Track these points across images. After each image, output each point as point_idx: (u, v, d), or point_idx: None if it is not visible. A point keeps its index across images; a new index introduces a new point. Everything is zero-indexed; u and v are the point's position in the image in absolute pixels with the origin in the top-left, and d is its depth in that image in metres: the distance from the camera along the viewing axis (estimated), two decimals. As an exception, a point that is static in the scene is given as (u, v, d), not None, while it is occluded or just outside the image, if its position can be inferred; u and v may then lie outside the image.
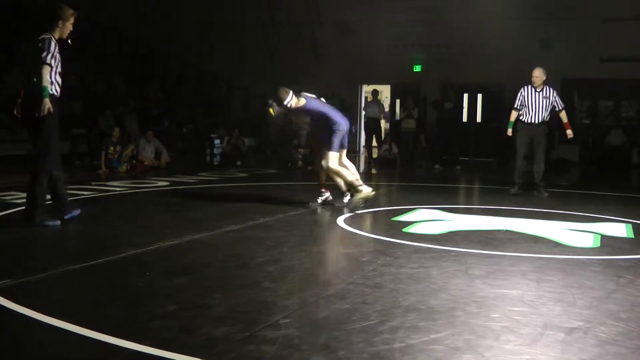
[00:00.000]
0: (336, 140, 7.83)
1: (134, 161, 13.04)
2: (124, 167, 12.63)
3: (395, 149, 16.71)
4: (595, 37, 17.72)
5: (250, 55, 20.31)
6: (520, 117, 9.82)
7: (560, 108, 9.83)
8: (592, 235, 6.31)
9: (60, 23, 6.41)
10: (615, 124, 18.08)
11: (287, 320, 3.41)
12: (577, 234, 6.39)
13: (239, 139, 15.91)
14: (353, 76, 19.73)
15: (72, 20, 6.49)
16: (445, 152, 16.59)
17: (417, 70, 19.92)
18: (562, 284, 4.34)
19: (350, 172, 8.06)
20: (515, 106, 9.91)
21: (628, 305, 3.89)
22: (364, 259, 4.98)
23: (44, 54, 6.30)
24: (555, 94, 9.81)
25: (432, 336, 3.23)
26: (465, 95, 19.58)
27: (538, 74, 9.77)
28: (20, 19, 17.17)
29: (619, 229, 6.73)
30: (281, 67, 20.09)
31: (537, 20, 17.97)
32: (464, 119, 19.36)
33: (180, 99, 19.36)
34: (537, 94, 9.73)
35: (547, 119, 9.79)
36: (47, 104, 6.36)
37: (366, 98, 20.54)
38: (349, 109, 18.93)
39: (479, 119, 19.80)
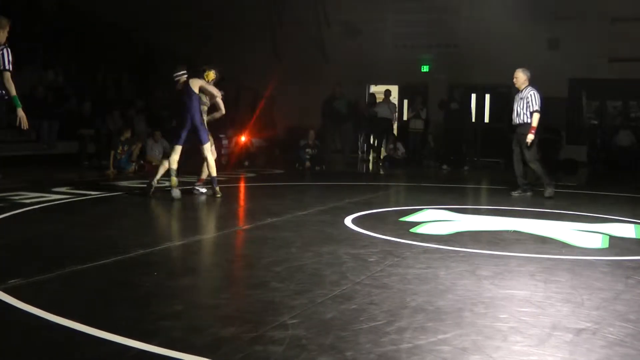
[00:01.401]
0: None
1: (142, 161, 13.08)
2: (132, 168, 12.67)
3: (401, 149, 16.72)
4: (604, 37, 17.65)
5: (257, 56, 20.33)
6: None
7: (533, 109, 9.46)
8: (601, 236, 6.28)
9: (0, 31, 7.23)
10: (624, 125, 18.00)
11: (295, 321, 3.41)
12: (586, 234, 6.36)
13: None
14: (360, 76, 19.72)
15: (7, 27, 7.35)
16: (452, 152, 16.58)
17: (424, 70, 19.90)
18: (571, 285, 4.32)
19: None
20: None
21: (637, 306, 3.88)
22: (371, 260, 4.97)
23: (4, 62, 7.10)
24: (532, 94, 9.52)
25: (440, 337, 3.22)
26: (473, 96, 19.54)
27: (516, 76, 9.73)
28: (29, 19, 17.23)
29: (628, 230, 6.70)
30: (288, 67, 20.11)
31: (545, 20, 17.91)
32: (472, 118, 19.32)
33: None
34: (517, 96, 9.73)
35: (529, 120, 9.50)
36: (23, 114, 7.14)
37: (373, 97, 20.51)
38: (358, 109, 18.96)
39: (486, 120, 19.76)
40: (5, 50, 7.30)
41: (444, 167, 15.74)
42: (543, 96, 9.76)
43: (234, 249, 5.79)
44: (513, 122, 9.79)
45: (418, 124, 17.25)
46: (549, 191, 9.62)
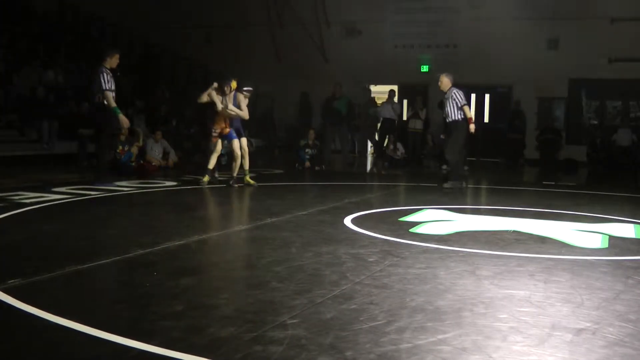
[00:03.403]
0: None
1: (142, 161, 13.06)
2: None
3: (401, 149, 16.71)
4: (603, 37, 17.67)
5: (257, 56, 20.34)
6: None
7: (460, 105, 10.54)
8: (600, 235, 6.28)
9: (107, 59, 9.68)
10: (624, 124, 18.00)
11: (295, 321, 3.42)
12: (585, 234, 6.36)
13: (246, 139, 15.92)
14: (360, 77, 19.73)
15: (117, 56, 9.78)
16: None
17: (424, 70, 19.91)
18: (570, 285, 4.32)
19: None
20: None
21: (636, 306, 3.88)
22: (371, 260, 4.97)
23: (104, 83, 9.40)
24: (455, 92, 10.60)
25: (440, 337, 3.22)
26: (473, 96, 19.55)
27: (442, 80, 10.91)
28: (28, 19, 17.24)
29: (628, 230, 6.70)
30: (288, 67, 20.11)
31: (545, 21, 17.94)
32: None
33: (188, 99, 19.41)
34: (445, 97, 10.81)
35: (457, 117, 10.55)
36: (124, 117, 9.82)
37: (373, 98, 20.51)
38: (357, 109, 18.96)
39: (486, 120, 19.76)
40: (104, 74, 9.45)
41: (444, 167, 15.73)
42: (465, 93, 11.01)
43: (234, 249, 5.79)
44: (447, 120, 10.85)
45: (417, 124, 17.25)
46: (451, 184, 10.60)
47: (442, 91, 10.96)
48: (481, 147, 18.71)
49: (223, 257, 5.37)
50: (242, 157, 10.28)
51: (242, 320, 3.42)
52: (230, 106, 10.05)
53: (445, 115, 10.80)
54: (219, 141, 10.22)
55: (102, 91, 9.45)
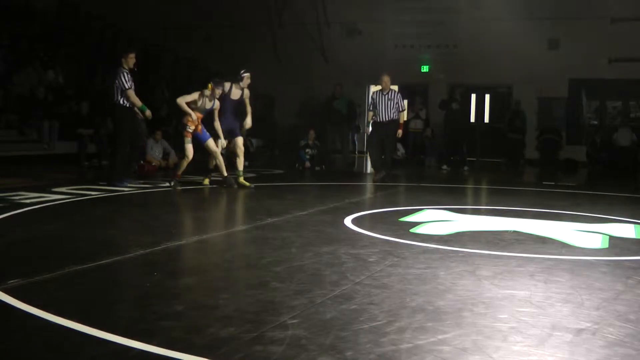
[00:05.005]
0: None
1: (142, 161, 13.05)
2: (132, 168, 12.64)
3: (401, 149, 16.71)
4: (603, 37, 17.67)
5: (257, 56, 20.33)
6: (374, 118, 11.69)
7: (401, 109, 11.59)
8: (601, 236, 6.28)
9: (123, 59, 9.77)
10: (624, 124, 17.99)
11: (295, 321, 3.41)
12: (586, 234, 6.36)
13: (246, 139, 15.92)
14: (360, 77, 19.73)
15: (132, 56, 9.81)
16: (452, 153, 16.58)
17: (424, 70, 19.90)
18: (570, 285, 4.32)
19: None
20: (369, 108, 12.05)
21: (637, 306, 3.88)
22: (371, 260, 4.97)
23: (124, 83, 9.56)
24: (400, 96, 11.60)
25: (440, 337, 3.22)
26: (473, 96, 19.54)
27: (385, 80, 11.66)
28: (28, 19, 17.23)
29: (628, 230, 6.70)
30: (288, 67, 20.11)
31: (545, 21, 17.93)
32: (472, 119, 19.33)
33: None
34: (383, 97, 11.56)
35: (395, 117, 11.49)
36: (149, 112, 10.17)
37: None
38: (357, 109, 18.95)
39: (486, 120, 19.76)
40: (124, 74, 9.59)
41: (444, 167, 15.75)
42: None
43: (234, 249, 5.79)
44: (380, 119, 11.55)
45: (418, 124, 17.27)
46: (379, 175, 11.52)
47: (382, 90, 11.62)
48: (481, 147, 18.71)
49: (223, 257, 5.36)
50: (229, 155, 10.24)
51: (242, 320, 3.42)
52: (181, 100, 9.90)
53: (382, 114, 11.46)
54: (190, 146, 9.91)
55: (125, 91, 9.60)
